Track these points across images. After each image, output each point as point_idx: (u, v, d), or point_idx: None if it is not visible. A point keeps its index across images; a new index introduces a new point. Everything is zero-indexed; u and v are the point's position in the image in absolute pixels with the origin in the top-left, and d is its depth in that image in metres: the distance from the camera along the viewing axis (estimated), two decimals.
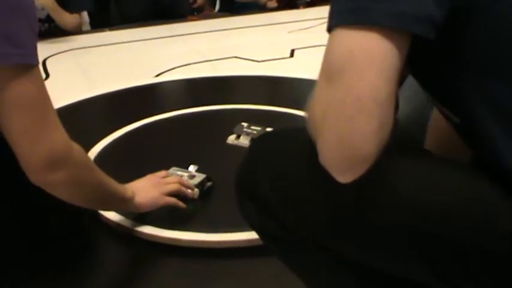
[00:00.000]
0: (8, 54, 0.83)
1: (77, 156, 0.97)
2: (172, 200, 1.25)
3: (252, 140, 1.60)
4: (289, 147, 0.75)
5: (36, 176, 0.92)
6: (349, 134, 0.62)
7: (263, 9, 3.64)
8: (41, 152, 0.90)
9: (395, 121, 0.67)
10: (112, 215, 1.27)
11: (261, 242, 1.15)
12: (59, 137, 0.92)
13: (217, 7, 3.95)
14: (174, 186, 1.27)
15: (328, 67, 0.66)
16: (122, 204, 1.14)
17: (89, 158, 1.03)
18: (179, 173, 1.37)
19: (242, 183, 0.82)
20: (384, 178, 0.69)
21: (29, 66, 0.86)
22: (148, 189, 1.21)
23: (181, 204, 1.27)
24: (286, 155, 0.70)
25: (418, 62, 0.72)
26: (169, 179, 1.29)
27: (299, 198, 0.74)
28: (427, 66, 0.72)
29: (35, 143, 0.89)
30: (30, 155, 0.90)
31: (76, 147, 0.96)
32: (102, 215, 1.28)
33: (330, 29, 0.67)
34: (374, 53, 0.63)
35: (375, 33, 0.63)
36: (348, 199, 0.70)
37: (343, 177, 0.65)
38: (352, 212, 0.70)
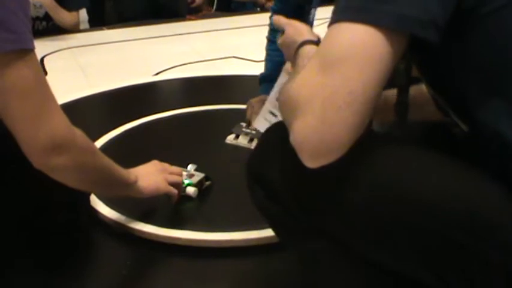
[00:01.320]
0: (2, 40, 0.82)
1: (80, 141, 0.96)
2: (174, 191, 1.25)
3: (251, 140, 1.60)
4: None
5: (39, 160, 0.92)
6: (333, 122, 0.65)
7: (261, 9, 3.64)
8: (42, 136, 0.89)
9: (370, 124, 0.69)
10: (110, 213, 1.27)
11: (259, 242, 1.17)
12: (60, 121, 0.92)
13: (215, 6, 3.94)
14: (177, 178, 1.28)
15: (326, 54, 0.67)
16: (125, 188, 1.13)
17: (91, 142, 1.02)
18: None
19: (253, 167, 0.84)
20: (390, 172, 0.70)
21: (25, 52, 0.85)
22: (151, 175, 1.21)
23: (176, 199, 1.26)
24: None
25: (432, 67, 0.72)
26: (173, 169, 1.29)
27: (304, 187, 0.75)
28: (440, 70, 0.73)
29: (36, 128, 0.88)
30: (32, 140, 0.89)
31: (78, 132, 0.96)
32: (100, 213, 1.28)
33: (332, 24, 0.68)
34: (375, 52, 0.65)
35: (378, 32, 0.64)
36: (352, 190, 0.71)
37: (313, 161, 0.67)
38: (355, 203, 0.71)
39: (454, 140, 0.78)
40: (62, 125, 0.92)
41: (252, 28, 3.12)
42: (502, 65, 0.67)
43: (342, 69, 0.65)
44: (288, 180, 0.77)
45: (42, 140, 0.89)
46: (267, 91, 1.69)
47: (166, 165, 1.28)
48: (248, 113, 1.71)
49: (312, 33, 0.96)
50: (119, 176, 1.09)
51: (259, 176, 0.83)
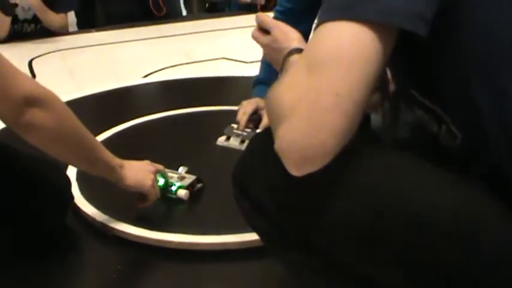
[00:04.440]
0: None
1: (54, 97, 0.98)
2: (155, 194, 1.23)
3: (243, 142, 1.60)
4: None
5: (15, 118, 0.93)
6: (319, 126, 0.62)
7: (251, 9, 3.62)
8: (13, 94, 0.92)
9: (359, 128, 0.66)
10: (98, 215, 1.26)
11: (251, 245, 1.16)
12: (26, 78, 0.96)
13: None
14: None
15: (313, 56, 0.66)
16: (107, 169, 1.11)
17: (67, 107, 1.03)
18: (169, 174, 1.36)
19: (238, 179, 0.83)
20: (374, 182, 0.69)
21: None
22: (141, 170, 1.20)
23: (150, 204, 1.23)
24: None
25: (421, 71, 0.71)
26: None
27: (287, 196, 0.74)
28: (429, 73, 0.71)
29: (5, 89, 0.91)
30: (5, 101, 0.92)
31: (51, 91, 0.98)
32: (88, 215, 1.27)
33: (318, 26, 0.67)
34: (362, 52, 0.63)
35: (364, 28, 0.63)
36: (335, 199, 0.70)
37: (298, 168, 0.65)
38: (337, 212, 0.70)
39: (444, 150, 0.76)
40: (29, 81, 0.96)
41: (242, 29, 3.11)
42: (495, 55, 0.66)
43: (328, 70, 0.63)
44: (272, 190, 0.75)
45: (14, 97, 0.92)
46: (261, 94, 1.67)
47: (160, 167, 1.27)
48: (239, 115, 1.70)
49: (302, 40, 0.90)
50: (100, 151, 1.09)
51: (244, 187, 0.81)
